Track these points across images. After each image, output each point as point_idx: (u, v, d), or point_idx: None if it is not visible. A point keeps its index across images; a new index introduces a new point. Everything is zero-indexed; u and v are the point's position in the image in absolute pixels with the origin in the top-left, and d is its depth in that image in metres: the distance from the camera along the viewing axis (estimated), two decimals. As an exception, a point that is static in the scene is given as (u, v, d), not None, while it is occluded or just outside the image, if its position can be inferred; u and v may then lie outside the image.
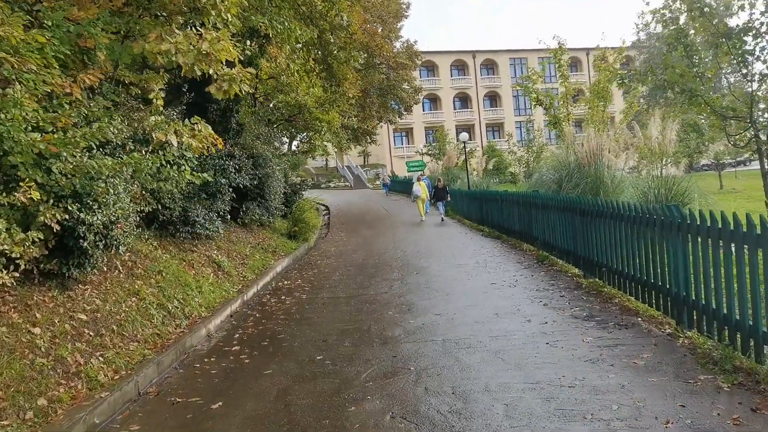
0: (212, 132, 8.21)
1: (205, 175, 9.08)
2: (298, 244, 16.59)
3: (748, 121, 8.87)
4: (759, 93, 8.94)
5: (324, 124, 18.13)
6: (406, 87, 35.47)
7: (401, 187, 38.58)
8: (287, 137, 29.52)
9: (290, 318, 7.60)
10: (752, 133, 8.98)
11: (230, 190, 11.43)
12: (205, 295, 8.81)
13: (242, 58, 8.56)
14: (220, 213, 11.59)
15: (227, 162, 11.22)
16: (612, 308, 6.53)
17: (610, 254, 7.20)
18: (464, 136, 26.20)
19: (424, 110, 63.51)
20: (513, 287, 8.20)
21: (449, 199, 21.43)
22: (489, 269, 9.88)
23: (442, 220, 20.40)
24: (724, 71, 9.95)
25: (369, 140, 36.81)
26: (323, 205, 37.10)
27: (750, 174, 41.75)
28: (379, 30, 32.91)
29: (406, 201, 29.62)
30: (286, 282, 10.68)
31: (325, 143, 33.46)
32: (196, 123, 8.00)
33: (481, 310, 6.98)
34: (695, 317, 5.11)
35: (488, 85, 65.73)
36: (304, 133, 32.99)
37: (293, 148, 38.61)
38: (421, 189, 21.01)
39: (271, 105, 16.54)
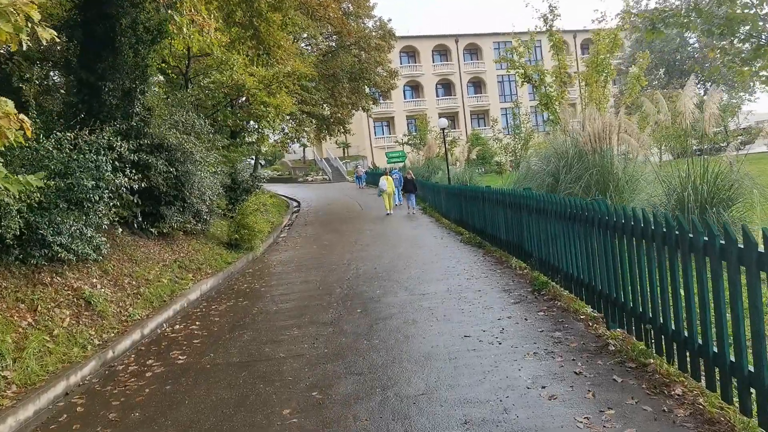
0: (12, 110, 5.16)
1: (30, 177, 6.01)
2: (238, 255, 13.59)
3: None
4: None
5: (271, 109, 14.97)
6: (381, 71, 32.30)
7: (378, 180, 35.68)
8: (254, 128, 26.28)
9: (124, 417, 4.53)
10: None
11: (109, 194, 8.30)
12: (27, 361, 5.73)
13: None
14: (100, 226, 8.50)
15: (101, 157, 8.08)
16: (679, 413, 3.54)
17: (665, 304, 4.20)
18: (443, 122, 23.12)
19: (405, 98, 60.36)
20: (497, 345, 5.20)
21: (417, 191, 20.98)
22: (464, 303, 6.88)
23: (413, 213, 19.85)
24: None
25: (342, 130, 33.62)
26: (295, 200, 34.16)
27: (751, 158, 39.10)
28: (350, 8, 29.72)
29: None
30: (177, 326, 7.60)
31: (287, 132, 30.35)
32: (-18, 95, 4.97)
33: (440, 408, 3.97)
34: None
35: (472, 70, 62.55)
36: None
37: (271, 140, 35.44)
38: (387, 183, 20.44)
39: (198, 87, 13.37)
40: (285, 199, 34.12)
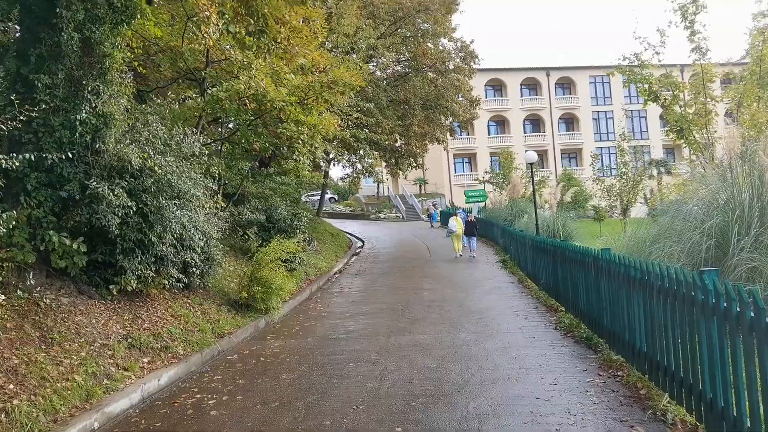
0: None
1: None
2: (244, 321, 10.11)
3: None
4: None
5: (304, 128, 11.40)
6: (461, 99, 28.42)
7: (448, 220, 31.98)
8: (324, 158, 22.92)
9: None
10: None
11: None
12: None
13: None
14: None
15: None
16: None
17: None
18: (531, 155, 18.80)
19: (489, 133, 56.07)
20: None
21: (476, 234, 20.21)
22: None
23: (473, 256, 19.12)
24: None
25: (414, 163, 29.88)
26: (360, 239, 30.85)
27: None
28: (428, 26, 26.19)
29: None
30: None
31: (357, 166, 27.04)
32: None
33: None
34: None
35: (564, 106, 57.40)
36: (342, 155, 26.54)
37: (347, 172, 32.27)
38: (456, 224, 19.61)
39: (211, 99, 10.03)
40: (349, 237, 30.91)
